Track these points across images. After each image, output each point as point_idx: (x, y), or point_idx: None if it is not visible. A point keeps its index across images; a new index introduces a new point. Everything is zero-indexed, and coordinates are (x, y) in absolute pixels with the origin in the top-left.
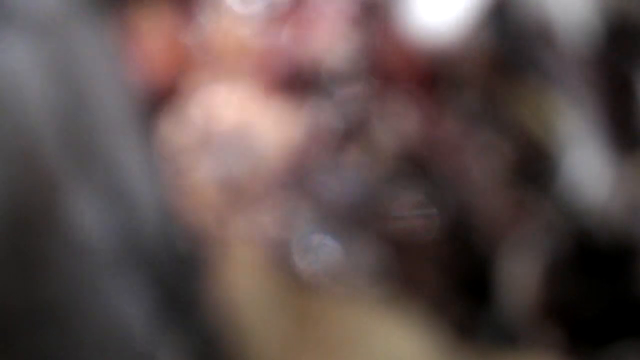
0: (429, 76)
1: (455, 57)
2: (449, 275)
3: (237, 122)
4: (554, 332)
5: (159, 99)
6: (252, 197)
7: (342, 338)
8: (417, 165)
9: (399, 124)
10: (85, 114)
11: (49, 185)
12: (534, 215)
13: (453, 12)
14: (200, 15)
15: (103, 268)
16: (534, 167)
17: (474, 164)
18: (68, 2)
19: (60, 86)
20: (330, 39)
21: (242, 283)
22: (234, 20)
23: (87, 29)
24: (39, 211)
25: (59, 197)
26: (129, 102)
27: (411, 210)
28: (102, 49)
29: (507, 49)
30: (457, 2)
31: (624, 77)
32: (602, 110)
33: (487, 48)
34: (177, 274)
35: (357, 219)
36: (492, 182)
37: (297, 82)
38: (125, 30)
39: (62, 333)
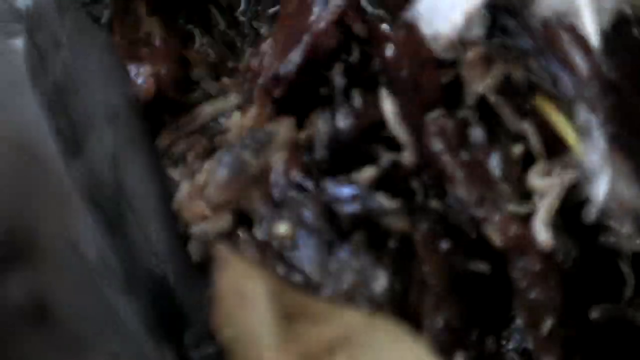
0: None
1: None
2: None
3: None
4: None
5: (162, 110)
6: (252, 202)
7: (338, 344)
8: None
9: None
10: (88, 137)
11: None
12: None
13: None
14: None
15: (105, 284)
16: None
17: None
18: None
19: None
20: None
21: (238, 287)
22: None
23: (88, 40)
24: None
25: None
26: (132, 116)
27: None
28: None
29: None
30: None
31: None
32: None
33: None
34: (180, 294)
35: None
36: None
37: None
38: (126, 43)
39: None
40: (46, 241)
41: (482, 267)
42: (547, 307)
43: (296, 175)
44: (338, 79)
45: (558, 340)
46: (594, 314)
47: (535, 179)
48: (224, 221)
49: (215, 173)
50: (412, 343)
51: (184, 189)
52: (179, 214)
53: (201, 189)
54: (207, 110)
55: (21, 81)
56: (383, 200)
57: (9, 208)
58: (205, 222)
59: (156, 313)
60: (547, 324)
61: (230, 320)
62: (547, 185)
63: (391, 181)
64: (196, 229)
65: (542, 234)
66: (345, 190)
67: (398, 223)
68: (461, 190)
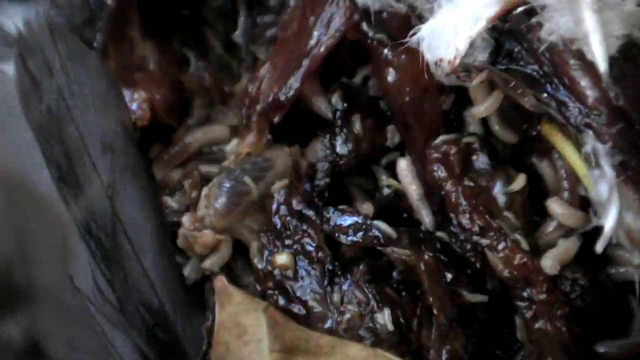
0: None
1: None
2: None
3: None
4: None
5: (157, 136)
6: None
7: None
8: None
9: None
10: (83, 166)
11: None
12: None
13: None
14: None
15: (101, 317)
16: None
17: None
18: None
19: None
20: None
21: (238, 320)
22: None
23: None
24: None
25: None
26: (127, 144)
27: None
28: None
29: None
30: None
31: None
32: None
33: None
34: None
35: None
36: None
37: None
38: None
39: None
40: (42, 279)
41: (482, 298)
42: (553, 338)
43: (297, 204)
44: (338, 103)
45: None
46: (601, 348)
47: (558, 207)
48: (226, 249)
49: (215, 199)
50: None
51: (186, 222)
52: (185, 248)
53: (202, 218)
54: (201, 136)
55: (12, 108)
56: (386, 229)
57: (5, 249)
58: (209, 252)
59: (153, 346)
60: (553, 355)
61: (229, 353)
62: (569, 214)
63: (394, 210)
64: (203, 262)
65: (548, 261)
66: (348, 219)
67: (402, 253)
68: (465, 218)
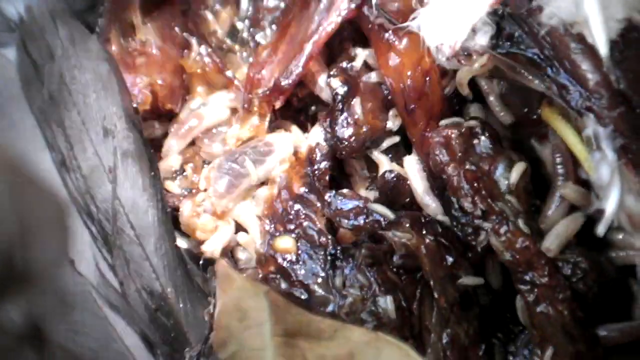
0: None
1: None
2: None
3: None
4: None
5: (159, 117)
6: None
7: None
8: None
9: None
10: (85, 151)
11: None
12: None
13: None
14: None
15: (103, 302)
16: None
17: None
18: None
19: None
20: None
21: (239, 304)
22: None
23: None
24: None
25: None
26: (129, 129)
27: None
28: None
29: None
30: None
31: None
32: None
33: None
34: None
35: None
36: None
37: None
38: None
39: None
40: (43, 263)
41: (479, 280)
42: (555, 322)
43: (298, 188)
44: (338, 87)
45: (567, 356)
46: (603, 331)
47: (568, 190)
48: (226, 233)
49: (215, 181)
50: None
51: (185, 210)
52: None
53: (201, 201)
54: (203, 120)
55: (14, 93)
56: (387, 213)
57: (6, 233)
58: (211, 235)
59: (156, 330)
60: (555, 339)
61: (231, 337)
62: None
63: (396, 194)
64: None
65: (550, 239)
66: (349, 203)
67: (402, 236)
68: (467, 202)
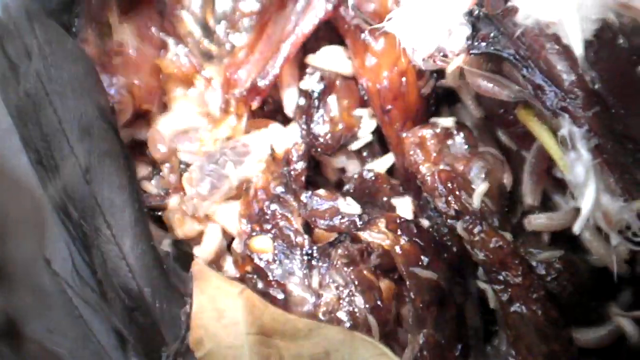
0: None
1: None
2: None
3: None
4: None
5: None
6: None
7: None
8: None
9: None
10: (62, 150)
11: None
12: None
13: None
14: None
15: (79, 300)
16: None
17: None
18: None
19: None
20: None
21: (215, 303)
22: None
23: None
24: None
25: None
26: (106, 128)
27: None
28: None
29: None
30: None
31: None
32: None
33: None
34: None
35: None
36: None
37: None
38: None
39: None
40: (19, 262)
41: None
42: (529, 321)
43: (275, 188)
44: (314, 85)
45: (540, 355)
46: (578, 335)
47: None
48: (215, 237)
49: (197, 183)
50: (392, 358)
51: (172, 204)
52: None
53: (186, 202)
54: (177, 120)
55: None
56: (362, 214)
57: None
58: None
59: (132, 330)
60: (529, 338)
61: (207, 336)
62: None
63: (374, 194)
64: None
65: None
66: (324, 204)
67: (377, 237)
68: (441, 202)
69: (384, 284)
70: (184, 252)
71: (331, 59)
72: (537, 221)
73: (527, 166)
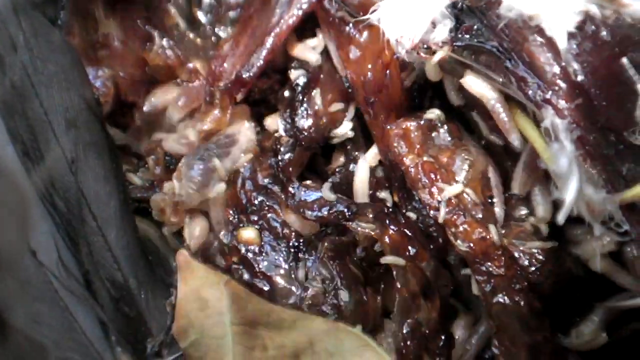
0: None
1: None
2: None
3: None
4: None
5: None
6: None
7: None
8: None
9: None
10: (48, 142)
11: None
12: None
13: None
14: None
15: (65, 291)
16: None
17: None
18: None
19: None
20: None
21: (200, 294)
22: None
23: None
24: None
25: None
26: (91, 120)
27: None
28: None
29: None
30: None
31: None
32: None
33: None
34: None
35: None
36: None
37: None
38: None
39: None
40: (4, 251)
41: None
42: (512, 312)
43: (262, 179)
44: (299, 78)
45: (523, 346)
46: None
47: None
48: (201, 229)
49: (188, 180)
50: (376, 349)
51: (158, 197)
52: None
53: (175, 197)
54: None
55: None
56: (350, 204)
57: None
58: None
59: (118, 320)
60: (512, 329)
61: (191, 326)
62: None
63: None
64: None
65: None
66: (312, 195)
67: (366, 227)
68: (424, 193)
69: (370, 276)
70: (169, 243)
71: (315, 51)
72: None
73: (522, 158)
